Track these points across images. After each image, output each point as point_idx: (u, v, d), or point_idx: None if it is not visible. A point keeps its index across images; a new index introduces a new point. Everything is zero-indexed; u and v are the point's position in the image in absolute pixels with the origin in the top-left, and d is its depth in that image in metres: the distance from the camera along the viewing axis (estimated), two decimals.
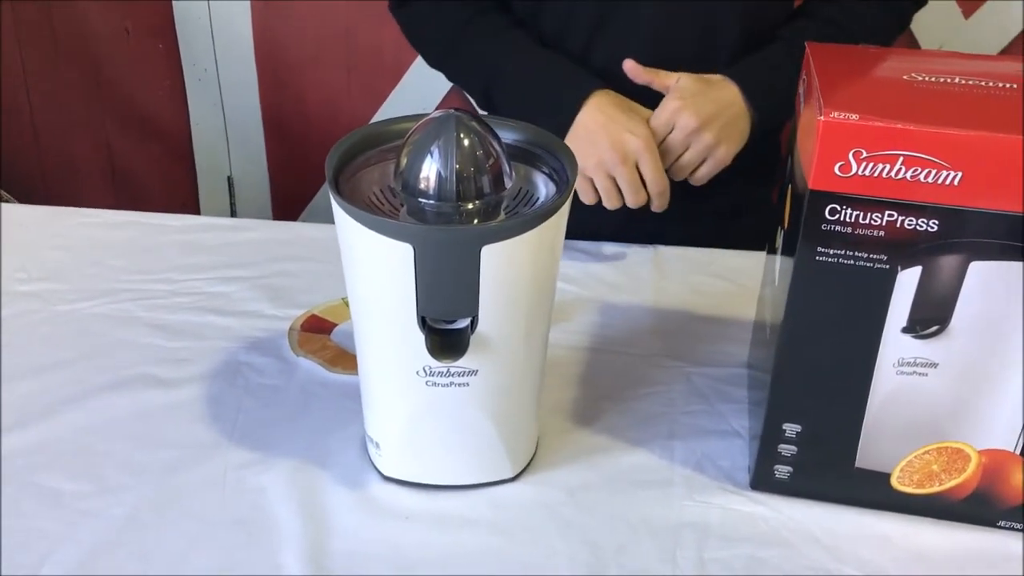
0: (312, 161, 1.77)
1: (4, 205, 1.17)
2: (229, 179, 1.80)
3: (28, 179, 1.81)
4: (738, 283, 0.98)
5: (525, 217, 0.61)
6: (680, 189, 1.00)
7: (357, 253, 0.63)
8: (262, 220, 1.09)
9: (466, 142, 0.61)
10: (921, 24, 1.51)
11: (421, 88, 1.65)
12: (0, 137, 1.78)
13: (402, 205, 0.65)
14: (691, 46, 1.03)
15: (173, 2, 1.63)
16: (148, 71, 1.71)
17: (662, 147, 0.97)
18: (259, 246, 1.03)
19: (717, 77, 1.00)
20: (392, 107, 1.69)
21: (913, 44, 1.53)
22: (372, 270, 0.63)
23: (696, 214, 1.08)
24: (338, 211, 0.62)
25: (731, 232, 1.08)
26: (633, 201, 0.97)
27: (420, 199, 0.62)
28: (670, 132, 0.97)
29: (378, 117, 1.69)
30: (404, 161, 0.63)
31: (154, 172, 1.82)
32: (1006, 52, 1.53)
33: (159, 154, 1.79)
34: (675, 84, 0.98)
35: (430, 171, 0.61)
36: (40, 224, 1.06)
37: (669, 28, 1.02)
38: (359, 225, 0.60)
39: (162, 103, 1.74)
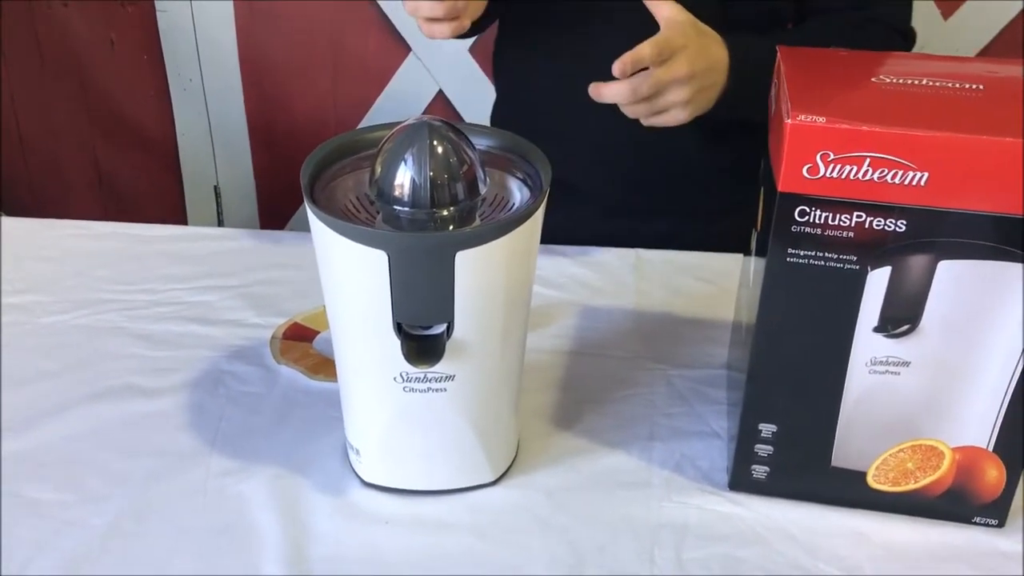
0: (298, 169, 1.77)
1: None
2: (216, 188, 1.81)
3: (14, 191, 1.82)
4: (719, 285, 0.98)
5: (499, 223, 0.62)
6: (662, 188, 1.00)
7: (333, 260, 0.64)
8: (246, 229, 1.10)
9: (439, 149, 0.62)
10: None
11: (407, 95, 1.66)
12: None
13: (378, 213, 0.66)
14: None
15: (157, 12, 1.64)
16: (133, 81, 1.72)
17: (640, 74, 0.87)
18: (242, 255, 1.03)
19: (713, 34, 0.93)
20: (377, 114, 1.70)
21: None
22: (348, 277, 0.63)
23: (677, 214, 1.08)
24: (313, 219, 0.63)
25: (713, 234, 1.08)
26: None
27: (395, 206, 0.63)
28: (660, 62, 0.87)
29: (364, 125, 1.69)
30: (378, 169, 0.63)
31: (141, 182, 1.82)
32: (985, 53, 1.54)
33: (145, 164, 1.80)
34: (675, 17, 0.89)
35: (404, 178, 0.62)
36: (25, 236, 1.06)
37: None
38: (334, 233, 0.61)
39: (148, 113, 1.75)
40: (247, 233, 1.10)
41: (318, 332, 0.90)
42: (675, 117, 0.91)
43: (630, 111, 0.90)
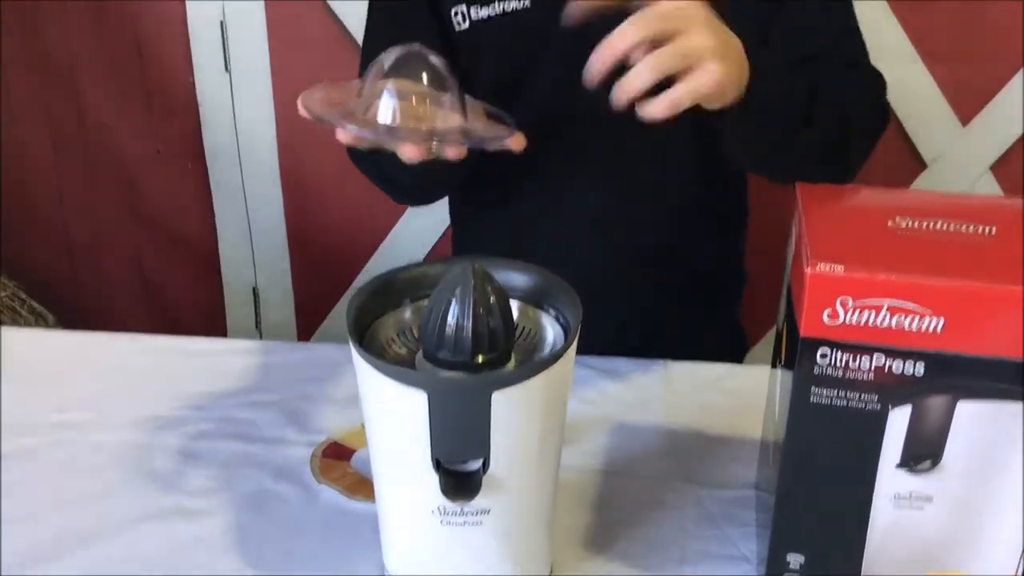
0: (334, 272, 1.83)
1: (42, 332, 1.23)
2: (254, 290, 1.86)
3: (62, 292, 1.88)
4: (745, 401, 1.00)
5: (533, 364, 0.65)
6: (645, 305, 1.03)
7: (374, 397, 0.67)
8: (286, 342, 1.14)
9: (480, 299, 0.65)
10: (920, 134, 1.57)
11: (436, 205, 1.71)
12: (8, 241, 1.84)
13: (418, 349, 0.70)
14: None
15: (202, 125, 1.72)
16: (177, 188, 1.79)
17: (651, 9, 0.73)
18: (283, 369, 1.07)
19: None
20: (409, 221, 1.74)
21: (913, 153, 1.58)
22: (388, 414, 0.67)
23: (658, 333, 1.11)
24: (357, 358, 0.66)
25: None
26: None
27: (436, 350, 0.66)
28: None
29: (396, 231, 1.74)
30: (422, 312, 0.67)
31: (182, 283, 1.88)
32: (1004, 159, 1.57)
33: (187, 266, 1.86)
34: None
35: (446, 325, 0.65)
36: (76, 351, 1.11)
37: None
38: (377, 372, 0.64)
39: (191, 218, 1.81)
40: (286, 346, 1.14)
41: (355, 450, 0.92)
42: (709, 73, 0.73)
43: (654, 63, 0.71)
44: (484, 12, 1.00)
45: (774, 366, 0.81)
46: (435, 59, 0.83)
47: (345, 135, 0.82)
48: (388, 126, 0.81)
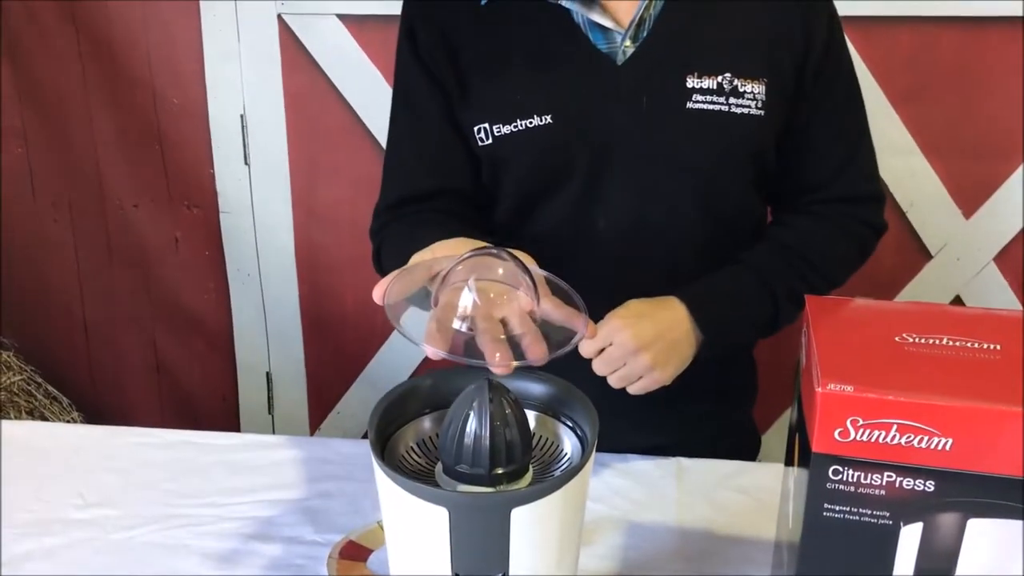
0: (347, 359, 1.86)
1: (62, 425, 1.25)
2: (268, 374, 1.88)
3: (78, 375, 1.90)
4: (759, 499, 1.01)
5: (551, 481, 0.67)
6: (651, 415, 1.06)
7: (396, 510, 0.68)
8: (301, 437, 1.15)
9: (498, 411, 0.67)
10: (924, 226, 1.60)
11: None
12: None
13: (437, 459, 0.71)
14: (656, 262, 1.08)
15: (220, 215, 1.76)
16: (195, 275, 1.83)
17: (600, 357, 0.99)
18: (300, 465, 1.08)
19: (667, 298, 1.03)
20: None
21: (919, 245, 1.61)
22: (410, 527, 0.68)
23: (673, 439, 1.13)
24: (380, 473, 0.68)
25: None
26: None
27: (455, 463, 0.68)
28: (608, 345, 0.98)
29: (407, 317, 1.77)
30: (440, 423, 0.69)
31: (197, 367, 1.90)
32: (1006, 251, 1.60)
33: (202, 350, 1.89)
34: (614, 312, 1.00)
35: (464, 438, 0.67)
36: (96, 445, 1.12)
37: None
38: (399, 488, 0.66)
39: (207, 304, 1.84)
40: (302, 441, 1.15)
41: (372, 551, 0.93)
42: (653, 380, 1.00)
43: (614, 380, 1.00)
44: (507, 129, 1.04)
45: (788, 464, 0.82)
46: (507, 255, 0.79)
47: (435, 354, 0.78)
48: (471, 336, 0.77)
